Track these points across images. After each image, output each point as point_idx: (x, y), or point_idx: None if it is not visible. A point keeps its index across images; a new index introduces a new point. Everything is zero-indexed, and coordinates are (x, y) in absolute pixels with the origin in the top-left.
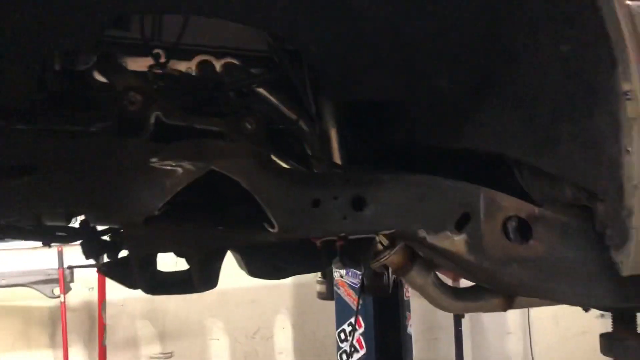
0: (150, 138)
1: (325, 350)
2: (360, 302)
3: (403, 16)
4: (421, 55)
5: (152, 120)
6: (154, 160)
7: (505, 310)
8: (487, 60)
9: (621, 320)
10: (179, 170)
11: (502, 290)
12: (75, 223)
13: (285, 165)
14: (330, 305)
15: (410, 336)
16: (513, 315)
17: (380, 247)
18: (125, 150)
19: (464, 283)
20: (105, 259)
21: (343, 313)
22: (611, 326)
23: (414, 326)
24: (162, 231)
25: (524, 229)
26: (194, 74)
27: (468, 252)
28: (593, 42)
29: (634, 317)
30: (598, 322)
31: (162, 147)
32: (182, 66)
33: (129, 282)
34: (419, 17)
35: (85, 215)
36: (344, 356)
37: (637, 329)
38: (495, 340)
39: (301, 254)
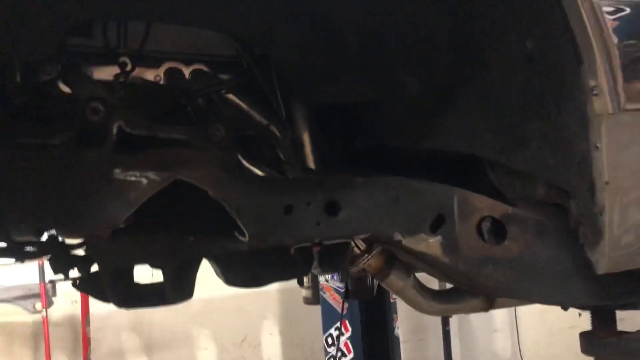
0: (114, 149)
1: (313, 355)
2: (346, 306)
3: (371, 18)
4: (390, 57)
5: (115, 130)
6: (117, 171)
7: (486, 310)
8: (455, 60)
9: (600, 318)
10: (144, 181)
11: (479, 291)
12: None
13: (258, 172)
14: (317, 310)
15: (397, 338)
16: (500, 313)
17: (357, 251)
18: (87, 162)
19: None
20: (77, 273)
21: (330, 317)
22: (590, 324)
23: (402, 327)
24: (131, 243)
25: (499, 229)
26: (162, 81)
27: (443, 254)
28: (558, 39)
29: (613, 315)
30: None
31: (126, 157)
32: (149, 74)
33: (103, 295)
34: (387, 18)
35: (53, 230)
36: None
37: (617, 326)
38: (483, 338)
39: (279, 260)
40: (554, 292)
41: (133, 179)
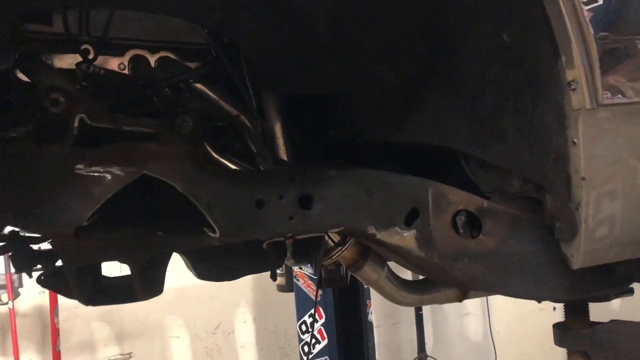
0: (76, 143)
1: (287, 342)
2: (320, 293)
3: (342, 7)
4: (361, 47)
5: (76, 123)
6: (79, 166)
7: (460, 300)
8: (429, 51)
9: (573, 309)
10: (108, 176)
11: (454, 284)
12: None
13: (228, 164)
14: (291, 297)
15: (371, 323)
16: (472, 299)
17: (331, 243)
18: (48, 157)
19: None
20: (40, 269)
21: (303, 304)
22: (563, 316)
23: (375, 313)
24: (97, 240)
25: (474, 223)
26: (126, 70)
27: (418, 247)
28: (535, 31)
29: (586, 306)
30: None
31: (88, 152)
32: (113, 62)
33: (69, 292)
34: (358, 8)
35: (13, 226)
36: (306, 347)
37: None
38: (455, 321)
39: (251, 253)
40: (529, 287)
41: (96, 174)
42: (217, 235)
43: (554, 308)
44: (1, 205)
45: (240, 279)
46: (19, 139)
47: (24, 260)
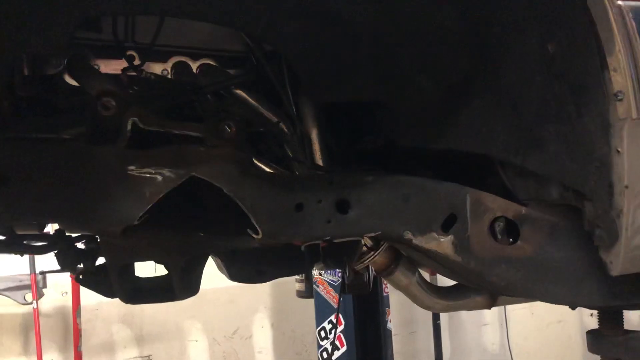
0: (127, 145)
1: (305, 348)
2: (341, 299)
3: (383, 16)
4: (402, 56)
5: (129, 126)
6: (132, 168)
7: (489, 308)
8: (469, 61)
9: (607, 317)
10: (159, 178)
11: (489, 290)
12: (49, 230)
13: (267, 169)
14: (309, 303)
15: (390, 331)
16: (500, 306)
17: (364, 248)
18: (102, 158)
19: (441, 277)
20: (82, 268)
21: (323, 311)
22: (597, 323)
23: (393, 321)
24: (142, 240)
25: (512, 230)
26: (169, 76)
27: (455, 253)
28: (582, 43)
29: (621, 314)
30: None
31: (140, 154)
32: (157, 68)
33: (107, 291)
34: (400, 17)
35: (61, 226)
36: (325, 354)
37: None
38: (473, 332)
39: (284, 257)
40: (566, 293)
41: (148, 175)
42: (260, 236)
43: (591, 314)
44: (54, 205)
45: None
46: (73, 141)
47: (68, 259)
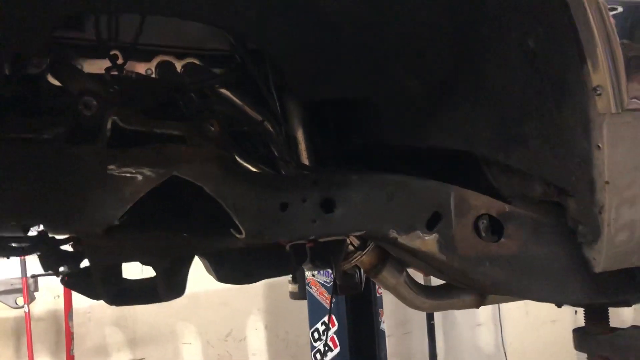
0: (107, 144)
1: (299, 349)
2: (333, 300)
3: (367, 14)
4: (386, 53)
5: (109, 125)
6: (111, 167)
7: (477, 307)
8: (453, 57)
9: (593, 314)
10: (139, 177)
11: (474, 288)
12: (34, 232)
13: (252, 168)
14: (303, 304)
15: (383, 332)
16: (484, 307)
17: (351, 247)
18: (82, 158)
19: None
20: (66, 270)
21: (316, 312)
22: (584, 321)
23: (387, 322)
24: (125, 241)
25: (496, 227)
26: (153, 75)
27: (440, 251)
28: (561, 38)
29: (606, 311)
30: (567, 311)
31: (121, 153)
32: (141, 67)
33: (93, 293)
34: (383, 15)
35: (43, 226)
36: (318, 355)
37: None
38: (467, 332)
39: (271, 257)
40: (551, 290)
41: (128, 175)
42: (243, 236)
43: (576, 312)
44: (34, 205)
45: (252, 286)
46: (53, 141)
47: (51, 261)
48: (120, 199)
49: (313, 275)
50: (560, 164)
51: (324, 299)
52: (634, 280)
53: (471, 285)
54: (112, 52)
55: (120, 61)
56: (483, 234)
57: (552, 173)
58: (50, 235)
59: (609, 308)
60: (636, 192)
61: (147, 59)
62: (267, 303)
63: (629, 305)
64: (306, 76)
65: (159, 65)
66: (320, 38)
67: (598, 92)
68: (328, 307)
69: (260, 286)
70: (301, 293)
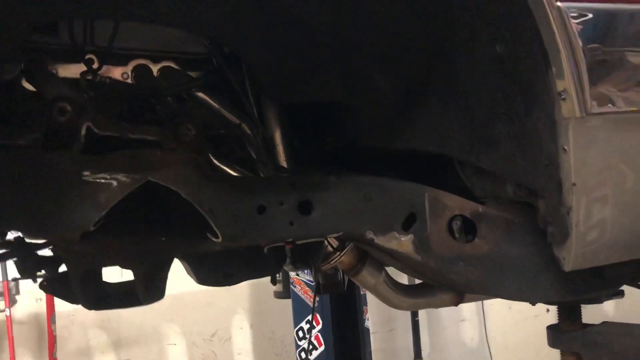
0: (82, 150)
1: (284, 348)
2: (317, 299)
3: (341, 19)
4: (361, 56)
5: (83, 131)
6: (86, 173)
7: (456, 304)
8: (426, 61)
9: (566, 312)
10: (114, 183)
11: (450, 288)
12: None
13: (229, 171)
14: (288, 303)
15: (367, 330)
16: (467, 304)
17: (330, 248)
18: (57, 164)
19: None
20: (45, 275)
21: (300, 311)
22: (557, 319)
23: (372, 319)
24: (102, 245)
25: (469, 228)
26: (130, 79)
27: (415, 252)
28: (528, 44)
29: (579, 308)
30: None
31: (95, 159)
32: (117, 72)
33: (72, 297)
34: (357, 19)
35: (19, 232)
36: (303, 354)
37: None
38: (451, 328)
39: (251, 259)
40: (523, 289)
41: (103, 181)
42: (220, 240)
43: (547, 310)
44: (9, 211)
45: (237, 286)
46: (27, 147)
47: (28, 266)
48: (96, 205)
49: (297, 275)
50: (529, 166)
51: (308, 297)
52: (604, 278)
53: (447, 285)
54: (87, 56)
55: (95, 65)
56: (457, 235)
57: (522, 175)
58: (27, 240)
59: (594, 305)
60: (606, 193)
61: (123, 62)
62: (252, 302)
63: (599, 302)
64: (282, 79)
65: (135, 69)
66: (294, 42)
67: (563, 96)
68: (312, 306)
69: (245, 286)
70: (285, 292)
